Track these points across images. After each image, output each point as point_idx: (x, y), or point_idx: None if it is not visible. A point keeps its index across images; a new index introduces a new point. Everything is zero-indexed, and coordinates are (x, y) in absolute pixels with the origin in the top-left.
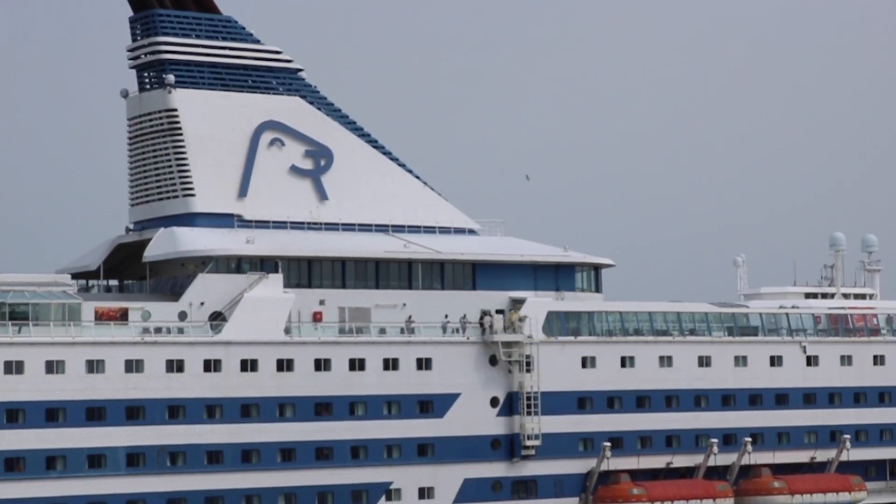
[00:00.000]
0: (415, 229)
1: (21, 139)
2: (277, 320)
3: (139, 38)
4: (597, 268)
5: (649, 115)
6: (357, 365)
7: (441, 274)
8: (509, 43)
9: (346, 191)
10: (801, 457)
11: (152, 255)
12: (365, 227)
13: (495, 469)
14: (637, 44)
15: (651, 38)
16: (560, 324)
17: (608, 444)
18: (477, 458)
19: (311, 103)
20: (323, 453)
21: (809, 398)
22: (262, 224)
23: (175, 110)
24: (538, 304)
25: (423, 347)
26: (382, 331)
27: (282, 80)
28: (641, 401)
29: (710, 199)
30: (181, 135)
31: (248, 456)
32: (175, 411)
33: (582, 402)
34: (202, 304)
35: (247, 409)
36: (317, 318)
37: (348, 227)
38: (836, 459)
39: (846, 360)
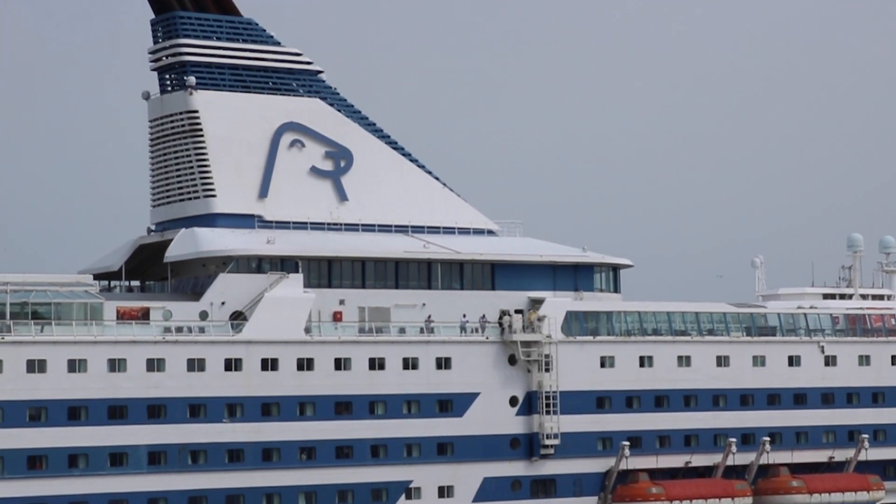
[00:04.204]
0: (434, 230)
1: (44, 141)
2: (298, 320)
3: (160, 40)
4: (615, 268)
5: (668, 118)
6: (377, 364)
7: (460, 274)
8: (528, 46)
9: (366, 192)
10: (819, 456)
11: (174, 256)
12: (384, 228)
13: (514, 468)
14: (657, 48)
15: (671, 44)
16: (579, 324)
17: (627, 443)
18: (496, 457)
19: (331, 105)
20: (343, 452)
21: (827, 398)
22: (283, 224)
23: (196, 112)
24: (557, 304)
25: (443, 347)
26: (402, 330)
27: (302, 81)
28: (660, 400)
29: (729, 201)
30: (202, 136)
31: (268, 454)
32: (196, 410)
33: (601, 402)
34: (223, 303)
35: (267, 408)
36: (337, 317)
37: (368, 228)
38: (855, 459)
39: (864, 359)
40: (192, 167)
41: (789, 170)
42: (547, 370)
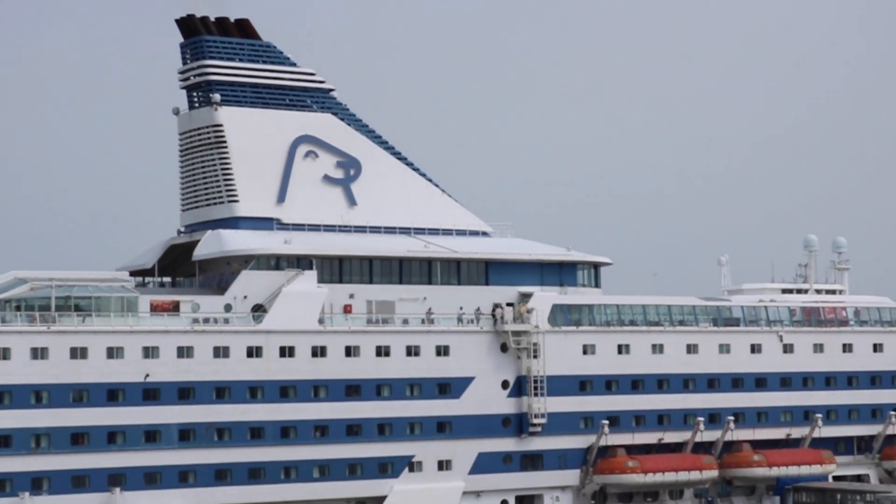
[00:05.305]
0: (434, 231)
1: (88, 154)
2: (312, 312)
3: (189, 61)
4: (596, 266)
5: (643, 133)
6: (383, 351)
7: (457, 271)
8: (517, 72)
9: (373, 197)
10: (778, 434)
11: (201, 255)
12: (390, 230)
13: (506, 444)
14: (631, 67)
15: (645, 61)
16: (563, 315)
17: (606, 422)
18: (490, 434)
19: (342, 119)
20: (353, 430)
21: (786, 382)
22: (299, 226)
23: (221, 126)
24: (544, 297)
25: (442, 336)
26: (405, 321)
27: (315, 98)
28: (636, 384)
29: (698, 206)
30: (226, 147)
31: (286, 432)
32: (222, 392)
33: (583, 385)
34: (245, 297)
35: (285, 391)
36: (347, 309)
37: (375, 230)
38: (809, 436)
39: (818, 347)
40: (217, 175)
41: (751, 178)
42: (535, 357)
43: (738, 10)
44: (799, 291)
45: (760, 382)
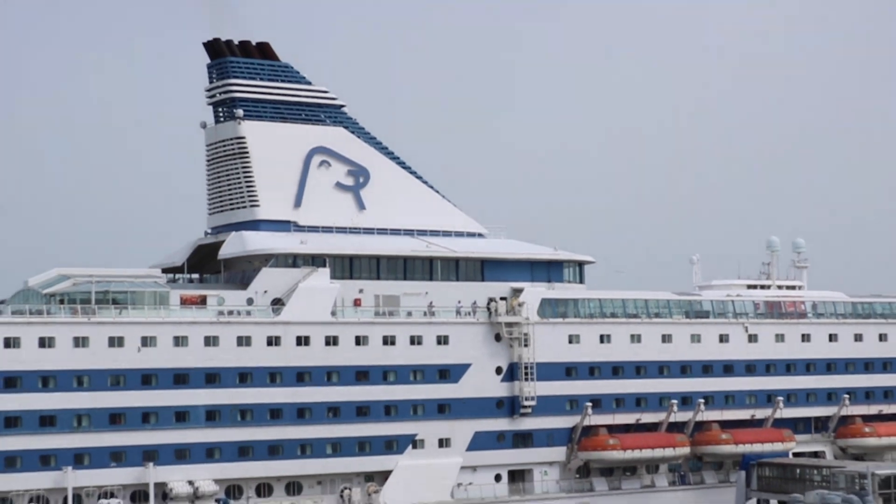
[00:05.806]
0: (435, 233)
1: (124, 164)
2: (325, 305)
3: (215, 80)
4: (581, 264)
5: (622, 144)
6: (389, 340)
7: (456, 269)
8: (509, 87)
9: (380, 202)
10: (743, 415)
11: (226, 254)
12: (395, 232)
13: (500, 424)
14: (614, 75)
15: (627, 70)
16: (551, 308)
17: (590, 404)
18: (485, 415)
19: (353, 132)
20: (362, 411)
21: (751, 368)
22: (313, 228)
23: (244, 138)
24: (534, 292)
25: (442, 327)
26: (409, 314)
27: (329, 113)
28: (616, 370)
29: (672, 210)
30: (248, 157)
31: (302, 413)
32: (244, 377)
33: (569, 371)
34: (265, 292)
35: (301, 376)
36: (357, 303)
37: (382, 231)
38: (772, 416)
39: (780, 337)
40: (240, 182)
41: (719, 185)
42: (526, 345)
43: (708, 20)
44: (762, 287)
45: (728, 369)
